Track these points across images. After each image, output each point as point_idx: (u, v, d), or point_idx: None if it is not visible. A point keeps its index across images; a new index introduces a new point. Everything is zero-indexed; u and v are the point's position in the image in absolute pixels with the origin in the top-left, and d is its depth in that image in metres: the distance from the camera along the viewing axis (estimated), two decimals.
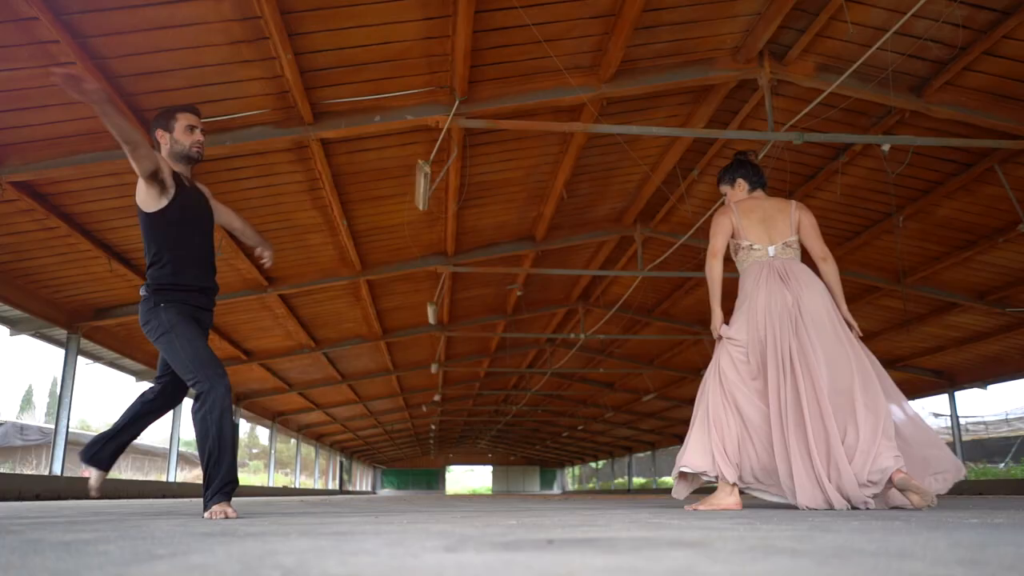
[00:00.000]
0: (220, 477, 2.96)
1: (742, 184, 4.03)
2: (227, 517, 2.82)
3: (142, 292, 3.15)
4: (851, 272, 9.75)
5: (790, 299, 3.59)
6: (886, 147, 6.48)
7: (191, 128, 3.21)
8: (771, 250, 3.77)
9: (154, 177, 3.04)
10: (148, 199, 3.10)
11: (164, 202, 3.10)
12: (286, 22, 4.70)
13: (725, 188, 4.11)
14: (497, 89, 5.87)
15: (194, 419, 3.04)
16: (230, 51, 4.91)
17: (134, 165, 2.96)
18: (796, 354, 3.44)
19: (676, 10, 5.38)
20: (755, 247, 3.79)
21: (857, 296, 10.63)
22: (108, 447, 3.29)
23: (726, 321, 3.83)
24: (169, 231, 3.13)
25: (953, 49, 5.54)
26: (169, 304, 3.09)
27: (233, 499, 3.21)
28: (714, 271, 3.80)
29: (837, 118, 6.55)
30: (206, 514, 2.91)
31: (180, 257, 3.14)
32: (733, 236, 3.87)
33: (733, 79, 6.23)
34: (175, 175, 3.17)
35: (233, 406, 14.97)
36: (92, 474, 3.26)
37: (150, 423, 3.38)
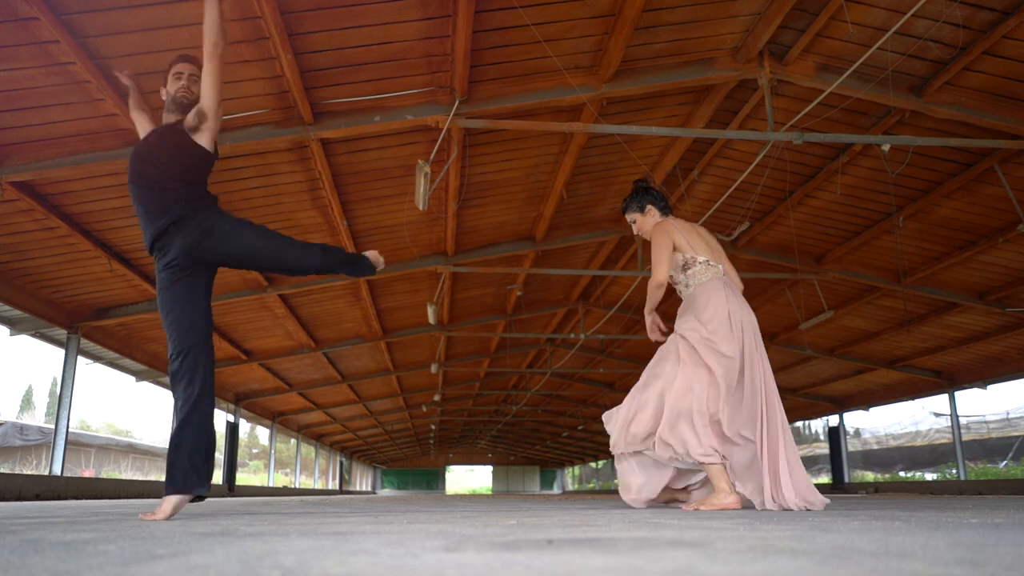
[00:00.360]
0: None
1: (652, 210, 3.99)
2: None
3: None
4: (851, 272, 9.75)
5: (751, 317, 3.67)
6: (886, 147, 6.49)
7: (177, 76, 3.22)
8: (720, 267, 3.79)
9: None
10: None
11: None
12: (286, 22, 4.70)
13: (634, 216, 4.03)
14: (497, 89, 5.87)
15: None
16: (230, 51, 4.90)
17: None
18: (761, 372, 3.52)
19: (676, 10, 5.38)
20: (711, 263, 3.76)
21: (857, 296, 10.65)
22: None
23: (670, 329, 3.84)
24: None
25: (953, 49, 5.54)
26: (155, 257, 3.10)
27: (234, 499, 3.14)
28: (657, 297, 3.76)
29: (837, 118, 6.55)
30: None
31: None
32: (677, 250, 3.82)
33: (733, 79, 6.23)
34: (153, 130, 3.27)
35: (233, 406, 14.99)
36: None
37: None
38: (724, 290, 3.70)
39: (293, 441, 22.73)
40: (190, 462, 2.85)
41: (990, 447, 17.78)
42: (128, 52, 4.71)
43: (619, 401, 3.98)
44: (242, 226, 3.06)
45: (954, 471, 14.91)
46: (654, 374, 3.73)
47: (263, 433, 30.68)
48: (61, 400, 9.03)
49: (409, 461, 43.25)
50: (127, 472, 22.55)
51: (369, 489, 42.09)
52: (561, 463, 44.57)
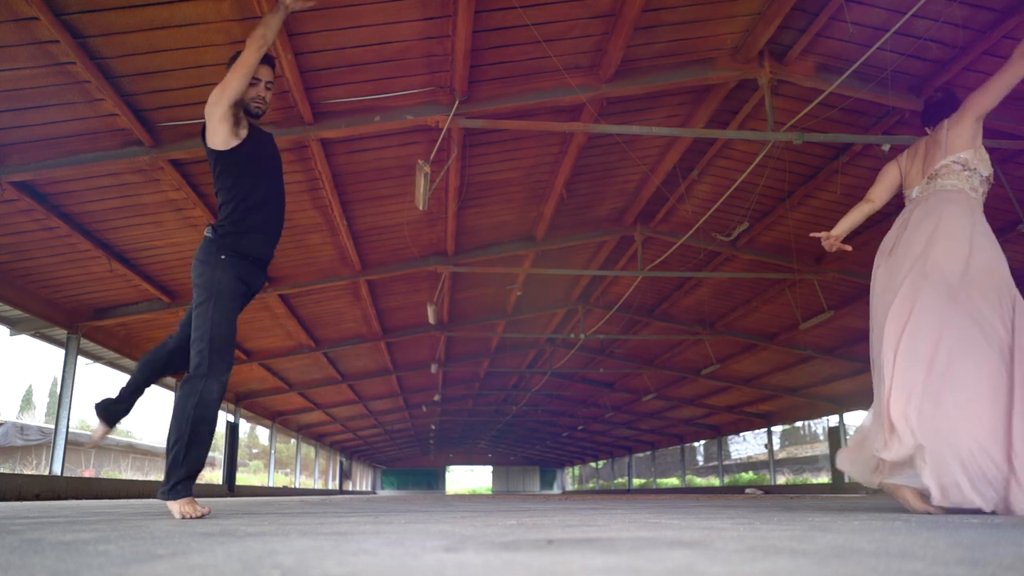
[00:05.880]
0: (185, 467, 2.84)
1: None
2: (193, 516, 2.76)
3: (207, 233, 3.07)
4: (851, 272, 9.75)
5: (925, 226, 3.23)
6: (886, 147, 6.49)
7: (255, 81, 3.08)
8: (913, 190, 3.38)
9: (236, 105, 3.02)
10: (218, 136, 3.02)
11: (235, 141, 3.05)
12: (286, 22, 4.69)
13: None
14: (497, 89, 5.87)
15: (177, 394, 2.95)
16: (230, 51, 4.89)
17: (230, 90, 2.96)
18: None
19: (676, 10, 5.38)
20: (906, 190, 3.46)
21: (857, 296, 10.64)
22: (123, 406, 3.13)
23: None
24: (240, 172, 3.08)
25: (953, 49, 5.54)
26: (230, 258, 3.03)
27: (234, 499, 3.13)
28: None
29: (837, 118, 6.55)
30: (171, 506, 2.81)
31: (250, 200, 3.10)
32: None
33: (733, 79, 6.23)
34: (248, 123, 3.13)
35: (233, 406, 14.98)
36: (100, 429, 3.12)
37: (167, 373, 3.23)
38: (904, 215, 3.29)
39: (293, 441, 22.72)
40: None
41: None
42: (128, 52, 4.71)
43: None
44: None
45: None
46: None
47: (263, 433, 30.68)
48: (61, 400, 9.03)
49: (409, 461, 43.24)
50: (127, 472, 22.54)
51: (369, 489, 42.08)
52: (561, 463, 44.57)
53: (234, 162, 3.05)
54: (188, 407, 2.86)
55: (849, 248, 3.50)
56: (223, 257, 3.01)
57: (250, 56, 2.98)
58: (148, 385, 3.18)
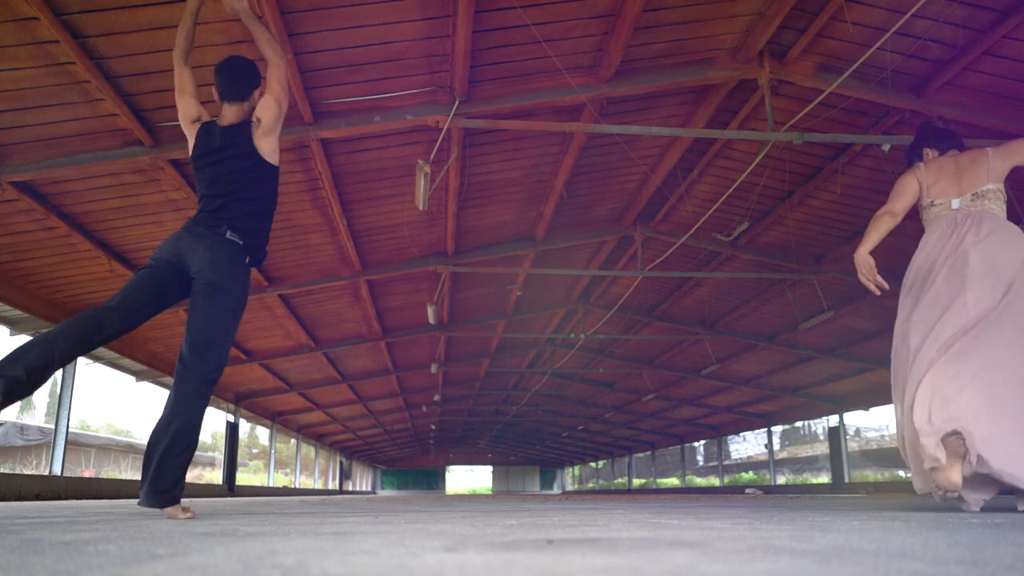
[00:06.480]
0: (184, 466, 2.79)
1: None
2: (192, 518, 2.75)
3: (235, 238, 2.96)
4: (851, 272, 9.75)
5: (976, 249, 3.54)
6: (886, 147, 6.49)
7: None
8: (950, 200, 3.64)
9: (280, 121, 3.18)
10: (278, 152, 3.16)
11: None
12: (286, 22, 4.70)
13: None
14: (497, 89, 5.87)
15: (190, 396, 2.80)
16: (230, 51, 4.89)
17: (285, 106, 3.11)
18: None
19: (676, 10, 5.38)
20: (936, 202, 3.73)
21: (857, 296, 10.65)
22: (29, 388, 2.54)
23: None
24: (276, 186, 3.19)
25: (953, 49, 5.54)
26: (250, 269, 3.06)
27: (234, 499, 3.13)
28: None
29: (837, 118, 6.55)
30: (172, 511, 2.75)
31: (273, 216, 3.22)
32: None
33: (733, 79, 6.23)
34: None
35: (233, 406, 14.98)
36: None
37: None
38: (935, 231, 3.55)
39: (293, 441, 22.71)
40: None
41: None
42: (128, 52, 4.71)
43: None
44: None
45: None
46: None
47: (263, 433, 30.66)
48: (61, 400, 9.03)
49: (409, 461, 43.23)
50: (127, 472, 22.53)
51: (369, 489, 42.07)
52: (561, 463, 44.57)
53: (279, 177, 3.20)
54: (204, 409, 2.88)
55: (883, 289, 3.59)
56: (251, 269, 3.08)
57: (285, 69, 3.19)
58: (65, 364, 2.78)
